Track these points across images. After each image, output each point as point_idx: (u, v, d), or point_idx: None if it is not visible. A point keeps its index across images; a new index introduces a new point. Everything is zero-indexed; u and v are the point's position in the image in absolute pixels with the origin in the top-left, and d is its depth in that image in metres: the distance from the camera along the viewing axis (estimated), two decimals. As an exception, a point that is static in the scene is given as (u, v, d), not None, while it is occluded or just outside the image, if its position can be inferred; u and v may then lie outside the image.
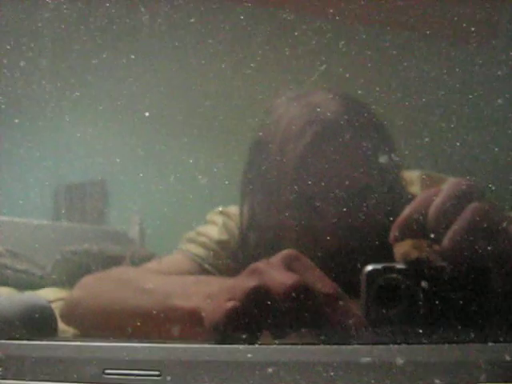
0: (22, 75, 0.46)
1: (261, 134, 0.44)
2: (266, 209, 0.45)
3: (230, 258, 0.47)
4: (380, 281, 0.40)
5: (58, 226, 0.55)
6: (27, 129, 0.47)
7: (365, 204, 0.42)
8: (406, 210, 0.39)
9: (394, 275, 0.40)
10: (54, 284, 0.51)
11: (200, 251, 0.47)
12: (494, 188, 0.39)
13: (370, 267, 0.40)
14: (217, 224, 0.47)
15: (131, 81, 0.44)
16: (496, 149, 0.39)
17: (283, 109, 0.43)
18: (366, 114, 0.43)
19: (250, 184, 0.44)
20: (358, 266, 0.40)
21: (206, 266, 0.47)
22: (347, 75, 0.40)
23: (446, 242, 0.38)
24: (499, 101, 0.39)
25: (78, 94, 0.45)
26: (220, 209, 0.47)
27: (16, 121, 0.46)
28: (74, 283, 0.49)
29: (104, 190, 0.50)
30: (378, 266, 0.40)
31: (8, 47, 0.45)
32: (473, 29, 0.39)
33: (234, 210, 0.47)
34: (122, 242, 0.52)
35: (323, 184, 0.42)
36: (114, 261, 0.51)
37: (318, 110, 0.42)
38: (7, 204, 0.50)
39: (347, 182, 0.42)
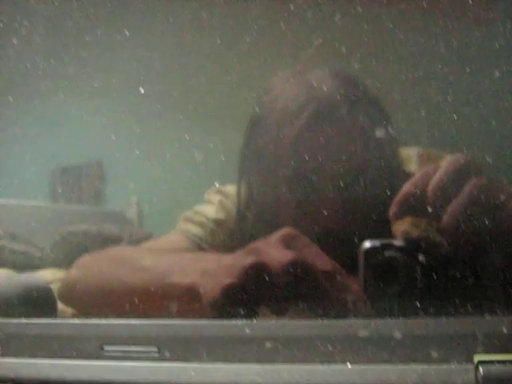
0: (15, 53, 0.46)
1: (258, 111, 0.43)
2: (264, 186, 0.44)
3: (227, 236, 0.47)
4: (378, 258, 0.40)
5: (56, 208, 0.55)
6: (22, 108, 0.46)
7: (362, 180, 0.42)
8: (406, 187, 0.39)
9: (392, 252, 0.40)
10: (52, 265, 0.51)
11: (197, 230, 0.47)
12: (491, 162, 0.39)
13: (367, 244, 0.40)
14: (214, 203, 0.47)
15: (126, 57, 0.43)
16: (494, 122, 0.39)
17: (280, 86, 0.43)
18: (363, 91, 0.43)
19: (248, 161, 0.44)
20: (356, 242, 0.40)
21: (203, 244, 0.47)
22: (344, 50, 0.40)
23: (445, 218, 0.38)
24: (496, 73, 0.39)
25: (72, 71, 0.44)
26: (217, 187, 0.47)
27: (10, 99, 0.46)
28: (72, 264, 0.49)
29: (100, 170, 0.50)
30: (376, 243, 0.40)
31: (0, 25, 0.44)
32: (470, 1, 0.39)
33: (230, 188, 0.47)
34: (120, 222, 0.52)
35: (320, 161, 0.42)
36: (112, 241, 0.51)
37: (315, 87, 0.42)
38: (5, 187, 0.50)
39: (344, 159, 0.42)
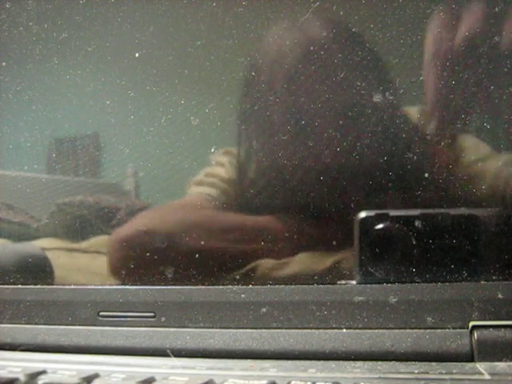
0: (8, 17, 0.45)
1: (252, 73, 0.43)
2: (272, 154, 0.44)
3: (239, 195, 0.47)
4: (373, 227, 0.40)
5: (52, 179, 0.54)
6: (15, 74, 0.46)
7: (359, 142, 0.41)
8: None
9: (387, 223, 0.40)
10: (49, 235, 0.51)
11: (211, 191, 0.47)
12: (489, 125, 0.38)
13: (362, 214, 0.40)
14: (223, 164, 0.47)
15: (120, 20, 0.43)
16: (492, 87, 0.38)
17: (275, 47, 0.42)
18: (360, 49, 0.42)
19: (245, 124, 0.44)
20: (352, 207, 0.40)
21: (219, 204, 0.47)
22: (347, 5, 0.39)
23: None
24: (496, 38, 0.38)
25: (65, 35, 0.44)
26: (224, 148, 0.46)
27: (3, 64, 0.46)
28: (68, 234, 0.49)
29: (96, 140, 0.50)
30: (371, 214, 0.40)
31: (-7, -12, 0.44)
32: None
33: (235, 150, 0.47)
34: (117, 193, 0.52)
35: (329, 129, 0.41)
36: (108, 212, 0.50)
37: (308, 42, 0.42)
38: (1, 158, 0.49)
39: (341, 121, 0.41)
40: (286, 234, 0.40)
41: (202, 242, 0.43)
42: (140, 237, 0.45)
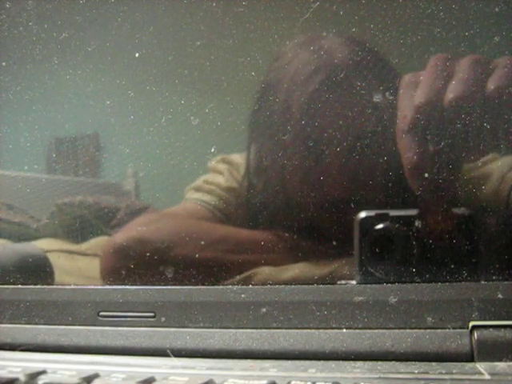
0: (8, 17, 0.45)
1: (268, 77, 0.43)
2: (273, 153, 0.44)
3: (238, 203, 0.47)
4: (373, 227, 0.40)
5: (52, 179, 0.54)
6: (15, 73, 0.46)
7: (369, 150, 0.41)
8: None
9: (387, 223, 0.40)
10: (48, 235, 0.51)
11: (210, 198, 0.47)
12: (489, 127, 0.38)
13: (363, 214, 0.40)
14: (221, 172, 0.47)
15: (120, 20, 0.43)
16: (492, 87, 0.38)
17: (292, 52, 0.42)
18: (375, 58, 0.42)
19: (257, 128, 0.44)
20: (352, 207, 0.40)
21: (217, 212, 0.47)
22: (358, 15, 0.39)
23: None
24: (496, 39, 0.38)
25: (65, 35, 0.44)
26: (221, 156, 0.46)
27: (3, 64, 0.46)
28: (68, 234, 0.49)
29: (96, 141, 0.50)
30: (371, 213, 0.40)
31: (-8, -12, 0.44)
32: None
33: (235, 157, 0.47)
34: (117, 193, 0.52)
35: (329, 130, 0.41)
36: (109, 212, 0.50)
37: (327, 55, 0.42)
38: (1, 158, 0.49)
39: (353, 129, 0.41)
40: (287, 235, 0.40)
41: (201, 249, 0.43)
42: (137, 242, 0.45)
